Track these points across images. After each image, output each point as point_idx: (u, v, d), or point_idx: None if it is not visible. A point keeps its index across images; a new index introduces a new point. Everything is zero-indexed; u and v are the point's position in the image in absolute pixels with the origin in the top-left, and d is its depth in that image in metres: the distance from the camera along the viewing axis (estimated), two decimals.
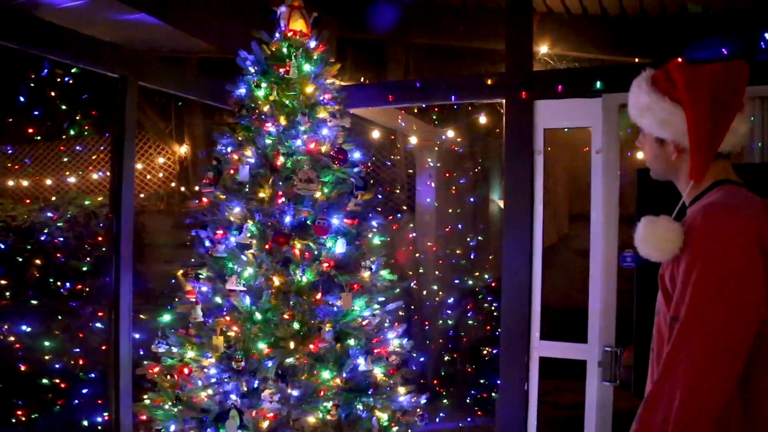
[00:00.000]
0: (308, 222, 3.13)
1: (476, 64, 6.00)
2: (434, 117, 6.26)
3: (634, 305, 3.65)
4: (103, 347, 3.84)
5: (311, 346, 2.95)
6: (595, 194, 3.92)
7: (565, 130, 5.16)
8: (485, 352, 5.41)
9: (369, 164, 3.35)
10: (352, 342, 3.11)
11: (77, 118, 4.85)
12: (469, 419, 5.20)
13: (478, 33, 5.44)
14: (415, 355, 3.39)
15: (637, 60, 4.31)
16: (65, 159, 5.58)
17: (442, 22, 5.70)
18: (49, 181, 5.84)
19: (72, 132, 4.86)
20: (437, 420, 3.35)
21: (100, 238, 4.88)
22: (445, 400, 5.08)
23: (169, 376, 3.20)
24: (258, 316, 2.99)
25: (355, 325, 3.12)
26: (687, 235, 1.74)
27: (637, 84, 1.96)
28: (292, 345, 2.94)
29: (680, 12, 4.72)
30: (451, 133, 6.20)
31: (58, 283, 4.59)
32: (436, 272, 5.92)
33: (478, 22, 5.42)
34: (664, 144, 1.92)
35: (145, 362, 3.26)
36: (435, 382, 5.36)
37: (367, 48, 6.35)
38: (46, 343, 4.30)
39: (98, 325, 4.25)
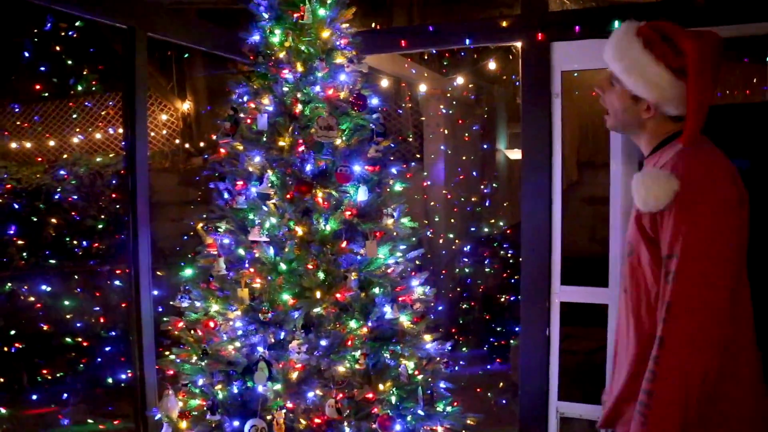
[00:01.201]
0: (329, 170, 3.08)
1: (484, 11, 5.88)
2: (445, 63, 6.14)
3: None
4: (123, 305, 3.81)
5: (337, 296, 2.92)
6: (615, 138, 3.86)
7: (575, 74, 5.08)
8: (502, 299, 5.41)
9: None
10: (377, 290, 3.08)
11: (84, 73, 4.76)
12: (488, 366, 5.23)
13: None
14: (433, 303, 3.37)
15: None
16: (74, 116, 5.49)
17: None
18: (56, 141, 5.78)
19: (79, 88, 4.77)
20: (456, 368, 3.34)
21: (114, 195, 4.83)
22: (463, 348, 5.10)
23: (193, 331, 3.18)
24: (282, 266, 2.95)
25: (380, 273, 3.09)
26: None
27: (626, 38, 1.95)
28: (317, 295, 2.91)
29: None
30: (460, 80, 6.10)
31: (74, 242, 4.56)
32: (451, 220, 5.89)
33: None
34: (639, 101, 1.95)
35: (167, 318, 3.23)
36: (453, 330, 5.37)
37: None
38: (66, 303, 4.28)
39: (117, 282, 4.22)
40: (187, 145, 7.15)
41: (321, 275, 2.95)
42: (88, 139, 5.90)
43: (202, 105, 6.96)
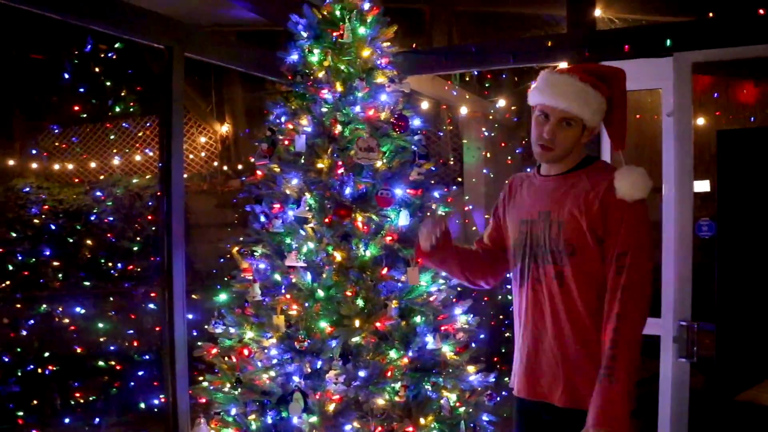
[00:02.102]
0: (369, 193, 2.96)
1: (527, 31, 5.76)
2: (486, 85, 6.02)
3: (715, 277, 3.45)
4: (157, 328, 3.73)
5: (377, 324, 2.79)
6: (667, 160, 3.71)
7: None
8: None
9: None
10: (418, 319, 2.94)
11: (122, 94, 4.74)
12: None
13: None
14: (475, 332, 3.22)
15: (711, 15, 4.04)
16: (112, 137, 5.49)
17: None
18: (95, 163, 5.78)
19: (117, 109, 4.76)
20: (499, 398, 3.18)
21: (149, 217, 4.78)
22: (506, 378, 4.87)
23: (227, 358, 3.08)
24: (320, 293, 2.84)
25: (421, 301, 2.95)
26: (605, 192, 2.21)
27: (569, 82, 2.24)
28: (356, 323, 2.78)
29: None
30: (502, 103, 5.97)
31: (110, 264, 4.51)
32: None
33: None
34: (584, 129, 2.27)
35: (201, 343, 3.13)
36: (495, 359, 5.19)
37: (408, 17, 6.13)
38: (100, 325, 4.23)
39: (151, 305, 4.15)
40: (225, 168, 7.15)
41: (360, 303, 2.83)
42: (127, 160, 5.91)
43: (241, 127, 6.96)
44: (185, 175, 6.78)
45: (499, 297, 5.55)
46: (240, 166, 6.94)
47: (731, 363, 3.52)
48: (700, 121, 5.30)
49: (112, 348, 4.18)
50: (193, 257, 5.94)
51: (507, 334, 5.27)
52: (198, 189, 7.05)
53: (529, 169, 2.61)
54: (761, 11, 3.60)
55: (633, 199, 2.17)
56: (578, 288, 2.25)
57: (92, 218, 4.54)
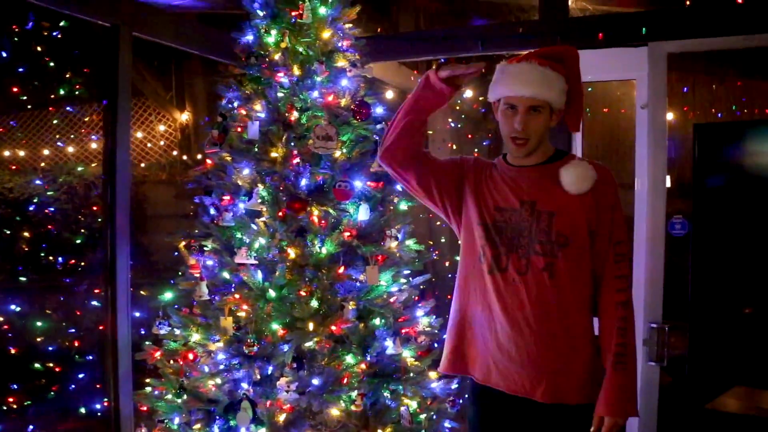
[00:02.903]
0: (327, 185, 2.76)
1: (496, 20, 5.58)
2: None
3: (689, 278, 3.31)
4: (100, 327, 3.48)
5: (333, 327, 2.59)
6: (640, 154, 3.59)
7: (589, 89, 4.79)
8: None
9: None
10: (377, 321, 2.75)
11: (67, 76, 4.46)
12: None
13: None
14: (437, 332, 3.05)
15: (688, 3, 3.90)
16: (55, 121, 5.18)
17: None
18: (38, 149, 5.48)
19: (62, 92, 4.47)
20: (461, 401, 3.01)
21: (95, 208, 4.51)
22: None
23: (172, 361, 2.86)
24: (271, 293, 2.63)
25: (381, 302, 2.76)
26: (599, 185, 2.21)
27: (530, 68, 2.20)
28: (310, 326, 2.58)
29: None
30: (469, 93, 5.79)
31: (51, 258, 4.23)
32: (458, 242, 5.55)
33: None
34: (552, 113, 2.24)
35: (146, 344, 2.91)
36: None
37: (375, 3, 5.91)
38: (38, 324, 3.95)
39: (95, 303, 3.89)
40: (185, 157, 6.92)
41: (315, 304, 2.63)
42: (74, 147, 5.64)
43: (201, 115, 6.73)
44: (143, 165, 6.58)
45: None
46: (200, 156, 6.71)
47: (703, 369, 3.40)
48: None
49: (50, 348, 3.91)
50: (150, 249, 5.69)
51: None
52: (156, 179, 6.81)
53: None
54: (739, 0, 3.47)
55: (579, 192, 2.19)
56: (571, 281, 2.21)
57: (31, 208, 4.25)
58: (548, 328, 2.20)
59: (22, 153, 5.19)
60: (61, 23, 3.96)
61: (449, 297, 5.26)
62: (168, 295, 2.95)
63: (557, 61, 2.26)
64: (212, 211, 2.89)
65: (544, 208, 2.22)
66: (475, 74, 2.23)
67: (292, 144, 2.75)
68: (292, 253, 2.66)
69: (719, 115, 5.24)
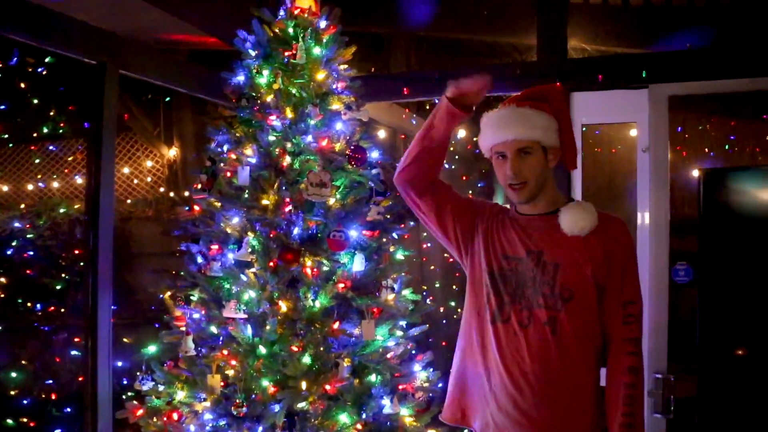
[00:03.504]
0: (320, 234, 2.62)
1: (490, 60, 5.53)
2: None
3: (697, 327, 3.19)
4: (80, 378, 3.31)
5: (327, 387, 2.44)
6: (642, 198, 3.52)
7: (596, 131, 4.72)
8: None
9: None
10: (373, 378, 2.60)
11: (51, 114, 4.33)
12: None
13: (498, 23, 4.95)
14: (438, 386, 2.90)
15: (688, 46, 3.84)
16: (37, 160, 5.04)
17: (455, 12, 5.21)
18: (19, 188, 5.33)
19: (45, 129, 4.34)
20: None
21: (77, 252, 4.34)
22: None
23: (155, 418, 2.68)
24: (262, 349, 2.48)
25: (377, 358, 2.62)
26: (610, 238, 2.13)
27: (515, 112, 2.16)
28: (303, 385, 2.43)
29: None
30: (462, 133, 5.71)
31: (28, 304, 4.05)
32: (453, 287, 5.43)
33: (497, 10, 4.93)
34: (547, 153, 2.16)
35: (128, 403, 2.73)
36: None
37: (367, 42, 5.85)
38: (13, 375, 3.76)
39: (74, 352, 3.71)
40: (172, 194, 6.81)
41: (308, 360, 2.48)
42: (53, 186, 5.51)
43: (190, 152, 6.64)
44: (129, 201, 6.44)
45: None
46: (187, 193, 6.60)
47: (714, 423, 3.26)
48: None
49: (25, 402, 3.72)
50: (135, 288, 5.55)
51: None
52: (143, 215, 6.69)
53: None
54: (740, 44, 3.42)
55: (583, 233, 2.11)
56: (574, 337, 2.11)
57: (9, 252, 4.09)
58: (549, 387, 2.10)
59: (5, 188, 5.08)
60: (47, 59, 3.86)
61: (444, 344, 5.14)
62: (152, 349, 2.78)
63: (540, 100, 2.20)
64: (199, 260, 2.75)
65: (550, 259, 2.14)
66: (484, 88, 2.16)
67: (285, 190, 2.62)
68: (283, 306, 2.52)
69: (711, 153, 5.20)
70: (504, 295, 2.16)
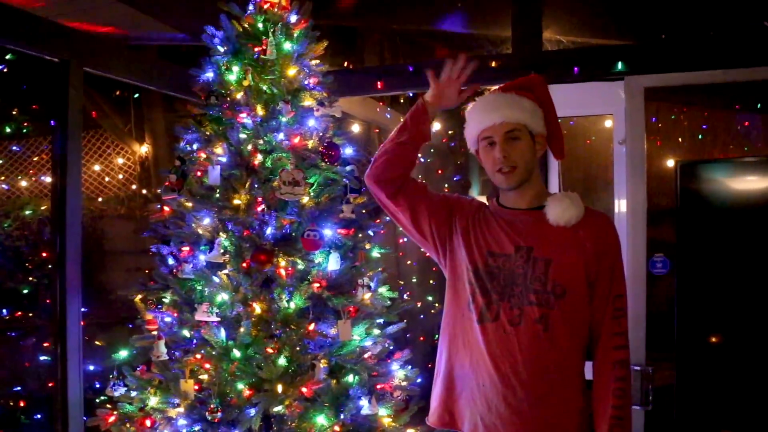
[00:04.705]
0: (294, 233, 2.57)
1: (464, 53, 5.49)
2: None
3: (675, 317, 3.20)
4: (50, 384, 3.22)
5: (303, 390, 2.38)
6: (619, 190, 3.52)
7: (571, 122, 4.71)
8: None
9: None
10: (351, 379, 2.55)
11: (14, 113, 4.20)
12: None
13: (472, 15, 4.90)
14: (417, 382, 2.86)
15: (663, 36, 3.82)
16: (0, 161, 4.90)
17: (429, 5, 5.16)
18: None
19: (8, 129, 4.20)
20: None
21: (44, 254, 4.23)
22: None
23: (129, 425, 2.62)
24: (236, 352, 2.43)
25: (354, 358, 2.57)
26: (599, 233, 2.11)
27: (502, 98, 2.15)
28: (279, 388, 2.37)
29: None
30: (438, 126, 5.66)
31: None
32: (430, 281, 5.38)
33: (471, 2, 4.89)
34: (534, 139, 2.15)
35: (99, 410, 2.66)
36: None
37: (340, 35, 5.78)
38: None
39: (43, 358, 3.61)
40: (144, 191, 6.70)
41: (283, 362, 2.42)
42: (17, 186, 5.38)
43: (162, 148, 6.52)
44: (100, 199, 6.33)
45: (436, 337, 5.23)
46: (160, 190, 6.48)
47: (692, 412, 3.27)
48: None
49: None
50: (109, 287, 5.45)
51: None
52: (115, 213, 6.57)
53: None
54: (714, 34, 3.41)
55: (569, 224, 2.09)
56: (567, 333, 2.08)
57: None
58: (541, 384, 2.06)
59: None
60: (8, 56, 3.74)
61: (422, 339, 5.11)
62: (123, 353, 2.71)
63: (522, 88, 2.20)
64: (171, 261, 2.68)
65: (541, 255, 2.09)
66: (460, 81, 2.17)
67: (257, 189, 2.55)
68: (257, 308, 2.46)
69: (684, 144, 5.22)
70: (491, 293, 2.11)
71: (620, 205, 3.51)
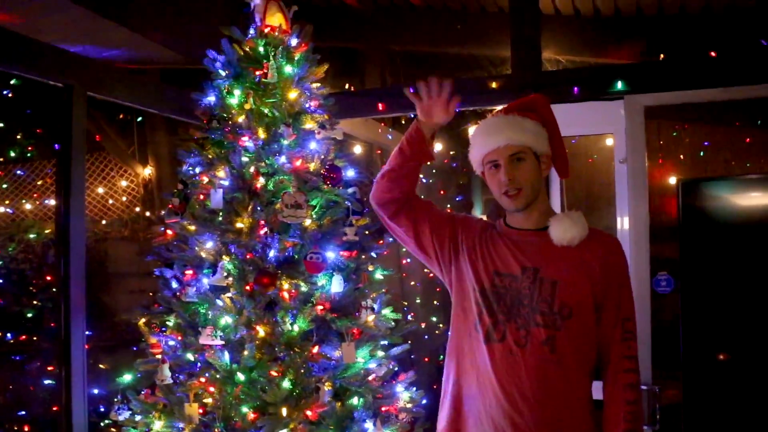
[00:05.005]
0: (297, 256, 2.57)
1: (464, 74, 5.52)
2: None
3: (680, 335, 3.19)
4: (54, 408, 3.21)
5: (308, 412, 2.38)
6: (621, 209, 3.49)
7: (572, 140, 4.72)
8: None
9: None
10: (355, 401, 2.54)
11: (18, 137, 4.22)
12: None
13: (472, 36, 4.94)
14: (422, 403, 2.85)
15: (662, 56, 3.84)
16: (5, 186, 4.91)
17: (429, 26, 5.20)
18: None
19: (12, 154, 4.22)
20: None
21: (48, 278, 4.23)
22: None
23: None
24: (240, 376, 2.42)
25: (358, 381, 2.56)
26: (606, 255, 2.09)
27: (504, 120, 2.15)
28: (284, 411, 2.36)
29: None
30: (439, 147, 5.68)
31: None
32: (434, 302, 5.37)
33: (471, 24, 4.92)
34: (540, 160, 2.13)
35: (109, 421, 2.66)
36: None
37: (341, 57, 5.82)
38: None
39: (48, 381, 3.60)
40: (147, 213, 6.72)
41: (287, 385, 2.42)
42: (22, 209, 5.40)
43: (165, 170, 6.54)
44: (104, 221, 6.34)
45: (441, 357, 5.20)
46: (163, 212, 6.48)
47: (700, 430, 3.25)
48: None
49: None
50: (113, 309, 5.45)
51: None
52: (118, 235, 6.58)
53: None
54: (713, 54, 3.43)
55: (573, 243, 2.07)
56: (574, 356, 2.06)
57: None
58: (548, 406, 2.03)
59: None
60: (12, 81, 3.77)
61: (426, 360, 5.08)
62: (127, 377, 2.71)
63: (524, 109, 2.19)
64: (174, 285, 2.68)
65: (547, 276, 2.07)
66: (447, 99, 2.09)
67: (259, 212, 2.56)
68: (261, 331, 2.46)
69: (685, 161, 5.22)
70: (498, 314, 2.09)
71: (623, 224, 3.51)
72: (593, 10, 4.43)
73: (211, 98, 2.78)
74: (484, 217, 2.31)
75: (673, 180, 4.83)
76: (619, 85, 3.44)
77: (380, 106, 3.84)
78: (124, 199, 6.63)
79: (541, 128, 2.15)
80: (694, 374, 3.25)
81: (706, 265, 3.29)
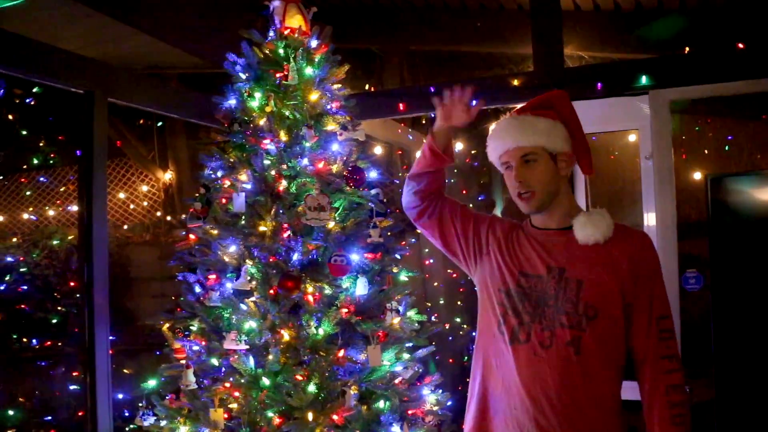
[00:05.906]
0: (320, 258, 2.55)
1: (483, 72, 5.48)
2: None
3: (711, 334, 3.13)
4: (80, 413, 3.22)
5: (334, 417, 2.35)
6: (647, 205, 3.46)
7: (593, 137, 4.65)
8: None
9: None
10: (382, 405, 2.51)
11: (41, 144, 4.24)
12: None
13: (491, 35, 4.90)
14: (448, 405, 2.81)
15: (687, 50, 3.78)
16: (28, 192, 4.94)
17: (448, 25, 5.16)
18: (11, 219, 5.23)
19: (35, 161, 4.25)
20: None
21: (72, 284, 4.25)
22: None
23: None
24: (265, 380, 2.40)
25: (384, 384, 2.53)
26: (634, 252, 2.03)
27: (518, 121, 2.10)
28: (309, 416, 2.34)
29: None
30: (460, 146, 5.63)
31: (24, 339, 3.94)
32: (457, 302, 5.32)
33: (489, 22, 4.88)
34: (557, 159, 2.08)
35: (134, 426, 2.66)
36: None
37: (359, 58, 5.80)
38: (9, 413, 3.65)
39: (73, 387, 3.61)
40: (169, 217, 6.74)
41: (313, 390, 2.39)
42: (45, 215, 5.43)
43: (185, 175, 6.56)
44: (126, 227, 6.38)
45: (465, 358, 5.16)
46: (184, 216, 6.50)
47: (733, 430, 3.19)
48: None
49: None
50: (135, 313, 5.47)
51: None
52: (140, 240, 6.62)
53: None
54: (740, 45, 3.36)
55: (598, 241, 2.03)
56: (599, 356, 2.00)
57: (1, 287, 3.98)
58: (573, 408, 1.98)
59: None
60: (35, 89, 3.80)
61: (451, 361, 5.04)
62: (152, 382, 2.71)
63: (540, 107, 2.15)
64: (197, 289, 2.67)
65: (573, 276, 2.03)
66: (467, 104, 2.09)
67: (282, 215, 2.54)
68: (285, 335, 2.44)
69: (711, 156, 5.14)
70: (523, 314, 2.06)
71: (649, 220, 3.46)
72: (613, 5, 4.37)
73: (232, 101, 2.76)
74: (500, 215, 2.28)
75: (698, 176, 4.75)
76: (644, 79, 3.39)
77: (401, 106, 3.81)
78: (145, 203, 6.67)
79: (559, 126, 2.10)
80: (725, 372, 3.19)
81: (736, 262, 3.22)
